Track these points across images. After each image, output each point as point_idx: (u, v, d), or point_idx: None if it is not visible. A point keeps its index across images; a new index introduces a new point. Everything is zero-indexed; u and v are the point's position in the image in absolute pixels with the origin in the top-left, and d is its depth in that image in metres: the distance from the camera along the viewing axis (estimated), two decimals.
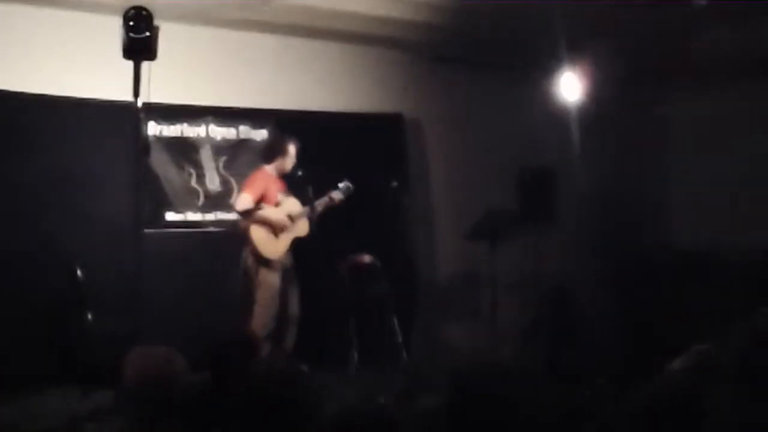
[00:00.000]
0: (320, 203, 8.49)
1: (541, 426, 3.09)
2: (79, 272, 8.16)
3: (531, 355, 8.78)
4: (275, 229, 8.32)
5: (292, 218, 8.40)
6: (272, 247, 8.30)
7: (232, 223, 8.79)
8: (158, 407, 3.62)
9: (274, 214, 8.33)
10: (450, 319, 10.57)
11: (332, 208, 8.56)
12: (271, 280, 8.32)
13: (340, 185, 8.62)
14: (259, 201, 8.32)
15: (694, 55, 10.51)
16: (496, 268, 9.29)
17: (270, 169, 8.51)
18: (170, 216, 9.03)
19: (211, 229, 9.08)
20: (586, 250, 10.53)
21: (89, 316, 8.01)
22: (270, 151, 8.65)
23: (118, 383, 3.78)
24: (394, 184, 8.83)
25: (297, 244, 8.48)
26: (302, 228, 8.48)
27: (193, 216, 9.15)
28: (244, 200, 8.31)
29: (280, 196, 8.43)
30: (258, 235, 8.27)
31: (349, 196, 8.64)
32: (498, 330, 9.27)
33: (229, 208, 9.04)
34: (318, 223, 8.45)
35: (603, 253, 10.37)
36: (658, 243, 11.68)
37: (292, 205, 8.47)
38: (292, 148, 8.47)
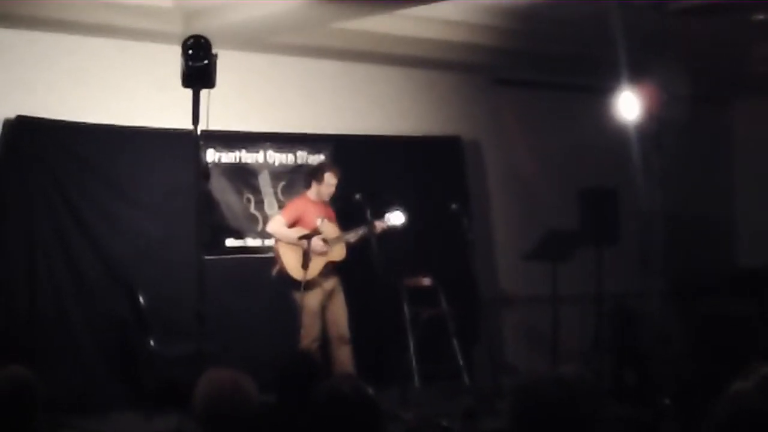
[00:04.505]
0: (359, 231, 8.50)
1: None
2: (141, 298, 8.26)
3: (594, 376, 8.70)
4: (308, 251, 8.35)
5: (326, 242, 8.40)
6: (301, 269, 8.30)
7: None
8: (228, 430, 3.63)
9: (309, 239, 8.31)
10: (512, 340, 10.52)
11: (377, 236, 8.49)
12: (309, 302, 8.38)
13: (388, 214, 8.60)
14: (295, 224, 8.43)
15: (758, 72, 10.40)
16: (558, 289, 9.24)
17: (310, 194, 8.63)
18: (230, 242, 9.09)
19: (271, 254, 9.11)
20: (649, 270, 10.42)
21: (151, 342, 8.09)
22: (308, 177, 8.81)
23: (184, 406, 3.79)
24: (454, 206, 8.80)
25: (339, 268, 8.54)
26: (338, 253, 8.52)
27: (252, 242, 9.20)
28: (273, 222, 8.61)
29: (318, 221, 8.47)
30: (288, 256, 8.36)
31: (396, 224, 8.59)
32: (560, 350, 9.20)
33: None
34: (375, 244, 8.43)
35: (666, 272, 10.25)
36: (722, 261, 11.54)
37: (328, 229, 8.50)
38: (329, 176, 8.53)
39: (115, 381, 8.38)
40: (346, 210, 8.72)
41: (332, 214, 8.67)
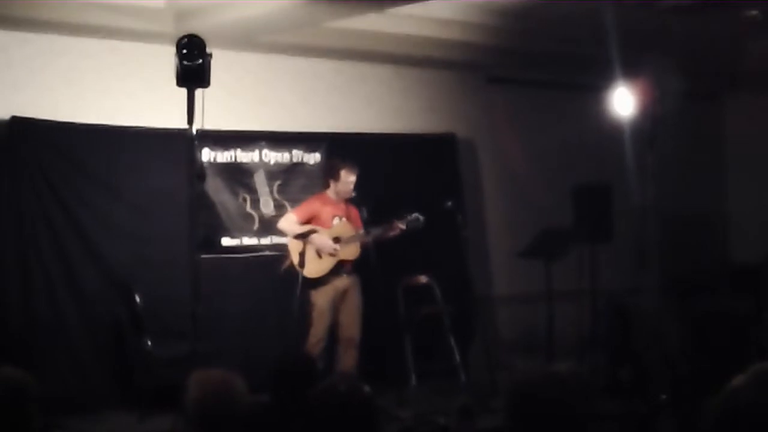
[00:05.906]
0: (377, 231, 8.37)
1: None
2: (137, 298, 8.25)
3: (590, 372, 8.72)
4: (317, 249, 8.31)
5: (338, 241, 8.35)
6: (311, 266, 8.26)
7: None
8: (220, 430, 3.63)
9: (316, 235, 8.28)
10: (507, 337, 10.52)
11: (392, 237, 8.42)
12: (319, 300, 8.33)
13: (409, 216, 8.45)
14: (308, 221, 8.37)
15: (751, 68, 10.43)
16: (552, 286, 9.24)
17: (329, 193, 8.55)
18: (226, 241, 9.08)
19: (267, 253, 9.11)
20: (645, 267, 10.45)
21: (147, 341, 8.09)
22: (324, 175, 8.78)
23: (177, 406, 3.79)
24: (448, 203, 8.79)
25: (349, 267, 8.45)
26: (350, 252, 8.42)
27: (248, 241, 9.19)
28: (285, 219, 8.54)
29: (335, 220, 8.44)
30: (295, 253, 8.27)
31: (416, 226, 8.47)
32: (556, 348, 9.21)
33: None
34: (374, 246, 8.38)
35: (661, 268, 10.28)
36: (717, 257, 11.55)
37: (343, 228, 8.46)
38: (345, 173, 8.41)
39: (111, 382, 8.37)
40: None
41: (354, 212, 8.51)
